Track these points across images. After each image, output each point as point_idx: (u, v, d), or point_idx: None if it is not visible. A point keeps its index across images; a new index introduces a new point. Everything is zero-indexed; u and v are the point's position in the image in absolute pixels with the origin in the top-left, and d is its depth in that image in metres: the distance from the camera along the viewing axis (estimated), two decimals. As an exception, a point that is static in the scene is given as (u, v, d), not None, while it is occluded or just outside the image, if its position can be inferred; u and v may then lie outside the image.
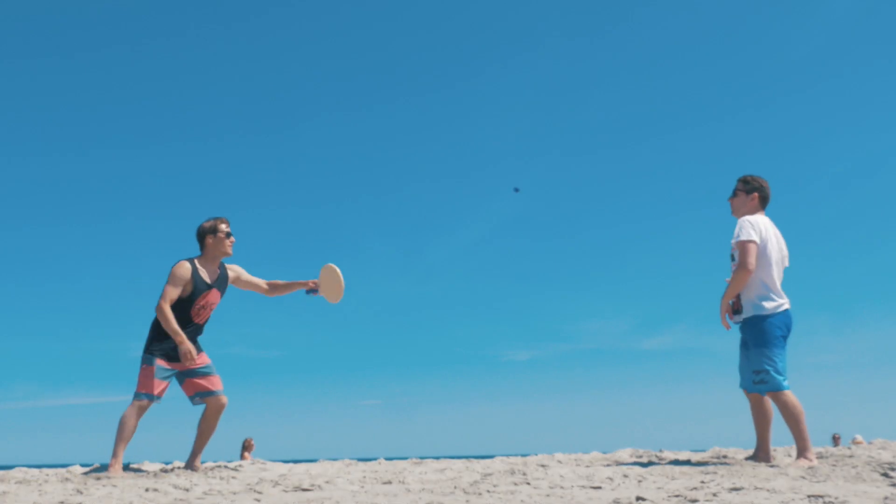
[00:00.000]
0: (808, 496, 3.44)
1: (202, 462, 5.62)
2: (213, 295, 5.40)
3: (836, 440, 14.77)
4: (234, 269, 5.60)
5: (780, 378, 4.97)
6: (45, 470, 5.72)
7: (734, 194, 5.37)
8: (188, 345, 5.19)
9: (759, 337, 5.03)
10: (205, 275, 5.35)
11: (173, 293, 5.22)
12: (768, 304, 5.06)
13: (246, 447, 12.78)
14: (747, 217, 5.18)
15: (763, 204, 5.32)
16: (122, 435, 5.15)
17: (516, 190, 5.43)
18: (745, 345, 5.20)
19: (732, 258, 5.22)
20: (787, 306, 5.12)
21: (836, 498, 3.38)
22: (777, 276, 5.15)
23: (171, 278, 5.24)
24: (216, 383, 5.40)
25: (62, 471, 5.49)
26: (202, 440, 5.43)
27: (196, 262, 5.36)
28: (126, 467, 5.49)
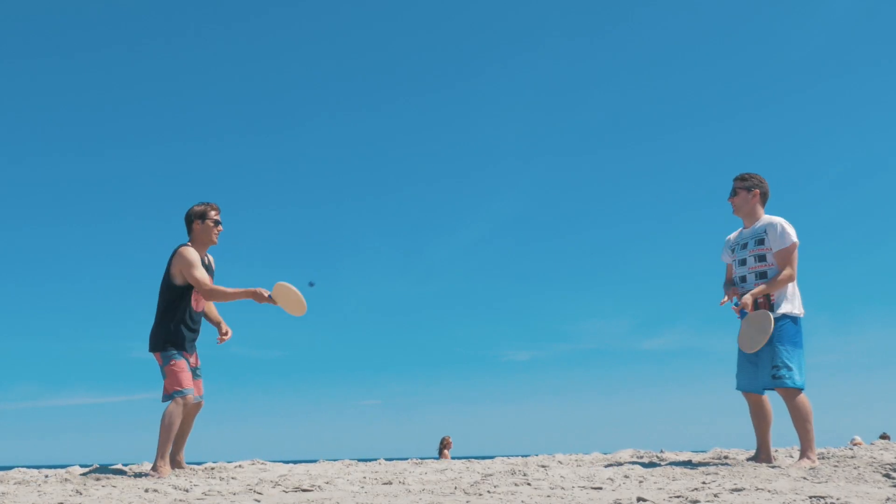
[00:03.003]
0: (810, 497, 3.42)
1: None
2: (210, 280, 5.27)
3: (885, 439, 14.61)
4: (213, 266, 5.46)
5: (801, 376, 4.96)
6: (45, 470, 5.71)
7: (734, 193, 5.31)
8: (256, 289, 5.01)
9: (787, 335, 4.99)
10: (205, 259, 5.28)
11: (204, 274, 5.08)
12: (794, 304, 5.07)
13: (445, 445, 12.70)
14: (781, 220, 5.13)
15: (763, 200, 5.29)
16: (168, 436, 4.98)
17: (311, 284, 5.36)
18: None
19: (762, 259, 5.12)
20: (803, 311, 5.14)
21: (837, 499, 3.37)
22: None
23: (192, 262, 5.08)
24: (201, 388, 5.34)
25: (61, 471, 5.48)
26: (185, 440, 5.35)
27: (191, 246, 5.22)
28: (127, 468, 5.48)
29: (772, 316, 4.99)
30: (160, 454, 4.98)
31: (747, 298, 5.03)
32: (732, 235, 5.42)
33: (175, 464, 5.31)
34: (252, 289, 5.07)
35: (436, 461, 6.17)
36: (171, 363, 5.06)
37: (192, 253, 5.12)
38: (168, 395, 5.04)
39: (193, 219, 5.25)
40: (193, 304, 5.22)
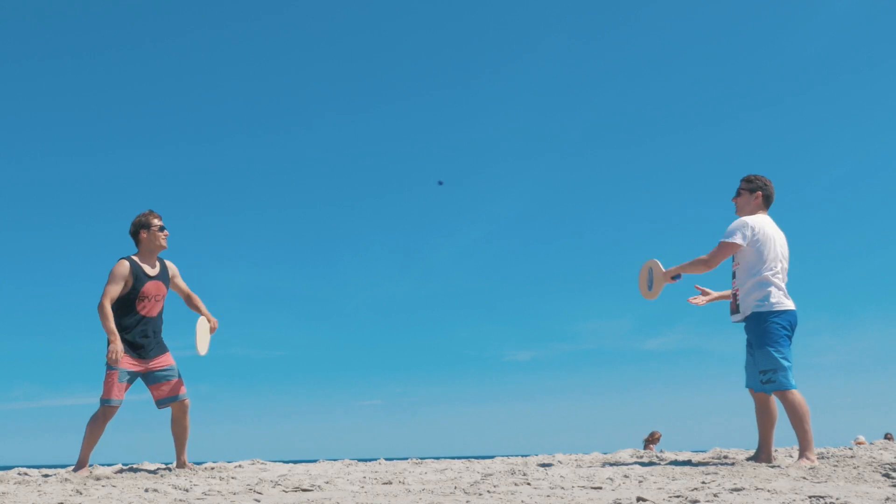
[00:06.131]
0: (810, 497, 3.42)
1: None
2: (156, 286, 5.48)
3: (889, 439, 14.55)
4: (172, 268, 5.69)
5: (787, 377, 4.95)
6: (45, 470, 5.71)
7: (738, 194, 5.36)
8: (118, 346, 5.26)
9: (763, 336, 5.01)
10: (145, 268, 5.46)
11: (113, 291, 5.33)
12: (769, 303, 5.05)
13: (654, 439, 12.26)
14: (747, 218, 5.18)
15: (766, 203, 5.31)
16: (89, 440, 5.32)
17: (440, 183, 5.81)
18: (749, 345, 5.18)
19: (732, 258, 5.23)
20: (791, 306, 5.11)
21: (837, 499, 3.36)
22: (780, 275, 5.13)
23: (111, 277, 5.35)
24: (178, 387, 5.50)
25: (61, 471, 5.49)
26: (181, 442, 5.56)
27: (134, 258, 5.47)
28: (127, 467, 5.50)
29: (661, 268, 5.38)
30: (80, 459, 5.34)
31: (669, 270, 5.35)
32: None
33: (179, 464, 5.53)
34: (115, 339, 5.27)
35: (435, 461, 6.16)
36: (107, 372, 5.33)
37: (119, 267, 5.38)
38: (101, 400, 5.34)
39: (139, 229, 5.48)
40: (141, 309, 5.42)
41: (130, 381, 5.37)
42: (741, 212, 5.34)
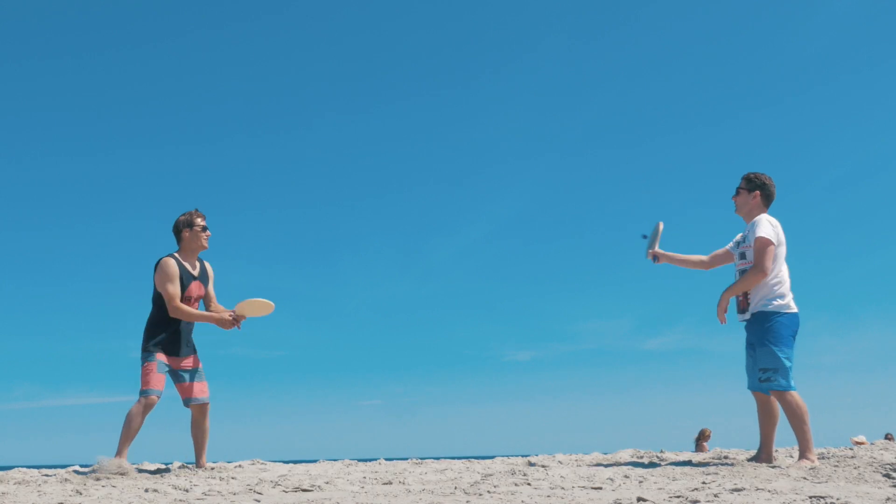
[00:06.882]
0: (810, 497, 3.42)
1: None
2: (198, 287, 5.47)
3: (889, 439, 14.47)
4: (210, 271, 5.64)
5: (787, 378, 4.94)
6: (45, 470, 5.71)
7: (737, 192, 5.33)
8: (224, 315, 5.33)
9: (767, 335, 4.99)
10: (188, 267, 5.44)
11: (176, 289, 5.28)
12: (777, 303, 5.03)
13: (704, 437, 12.00)
14: (765, 216, 5.13)
15: (766, 202, 5.28)
16: (127, 432, 5.20)
17: (644, 237, 5.73)
18: (751, 345, 5.16)
19: (743, 256, 5.17)
20: (796, 309, 5.09)
21: (837, 499, 3.36)
22: (787, 276, 5.12)
23: (168, 277, 5.29)
24: (203, 390, 5.49)
25: (61, 471, 5.48)
26: (199, 445, 5.55)
27: (177, 255, 5.43)
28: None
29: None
30: (118, 450, 5.18)
31: (721, 303, 5.16)
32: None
33: (199, 465, 5.53)
34: (217, 315, 5.34)
35: (435, 461, 6.16)
36: (144, 364, 5.30)
37: (170, 266, 5.33)
38: (141, 392, 5.29)
39: (182, 228, 5.47)
40: None
41: (167, 373, 5.35)
42: (740, 211, 5.32)
